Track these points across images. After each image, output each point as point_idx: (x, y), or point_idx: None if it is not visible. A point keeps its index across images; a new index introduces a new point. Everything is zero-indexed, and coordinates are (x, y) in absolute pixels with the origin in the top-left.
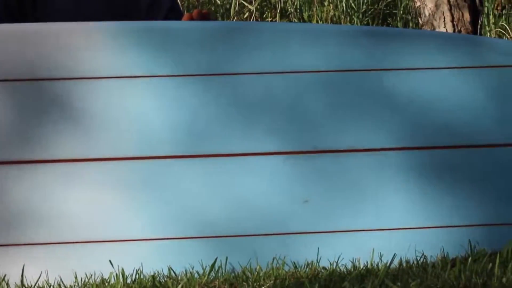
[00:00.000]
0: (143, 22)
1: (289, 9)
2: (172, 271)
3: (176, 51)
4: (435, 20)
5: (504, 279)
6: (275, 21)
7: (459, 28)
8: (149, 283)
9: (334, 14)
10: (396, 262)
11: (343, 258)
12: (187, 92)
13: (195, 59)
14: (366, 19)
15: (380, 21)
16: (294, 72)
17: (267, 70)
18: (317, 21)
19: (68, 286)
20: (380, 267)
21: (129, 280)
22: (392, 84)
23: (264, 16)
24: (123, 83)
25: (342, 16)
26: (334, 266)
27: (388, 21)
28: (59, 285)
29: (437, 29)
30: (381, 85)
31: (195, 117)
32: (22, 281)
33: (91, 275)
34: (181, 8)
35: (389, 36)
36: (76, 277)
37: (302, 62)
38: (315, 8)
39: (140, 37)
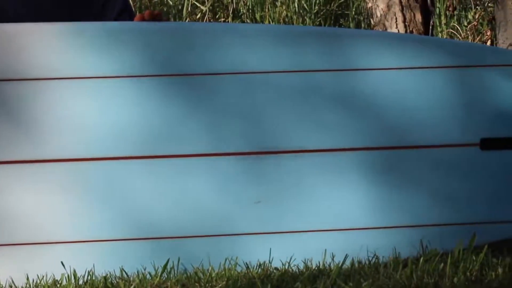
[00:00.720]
0: (94, 23)
1: (241, 10)
2: (124, 272)
3: (126, 52)
4: (387, 21)
5: (455, 279)
6: (228, 21)
7: (411, 29)
8: (101, 284)
9: (287, 15)
10: (348, 263)
11: (295, 259)
12: (136, 93)
13: (145, 60)
14: (318, 19)
15: (332, 22)
16: (244, 73)
17: (217, 71)
18: (269, 22)
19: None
20: (332, 268)
21: (81, 281)
22: (343, 85)
23: (217, 17)
24: (71, 84)
25: (295, 17)
26: (286, 267)
27: (340, 22)
28: (11, 286)
29: (389, 30)
30: (332, 86)
31: (144, 118)
32: None
33: (43, 277)
34: (133, 9)
35: (340, 36)
36: (27, 279)
37: (252, 62)
38: (267, 9)
39: (91, 38)
